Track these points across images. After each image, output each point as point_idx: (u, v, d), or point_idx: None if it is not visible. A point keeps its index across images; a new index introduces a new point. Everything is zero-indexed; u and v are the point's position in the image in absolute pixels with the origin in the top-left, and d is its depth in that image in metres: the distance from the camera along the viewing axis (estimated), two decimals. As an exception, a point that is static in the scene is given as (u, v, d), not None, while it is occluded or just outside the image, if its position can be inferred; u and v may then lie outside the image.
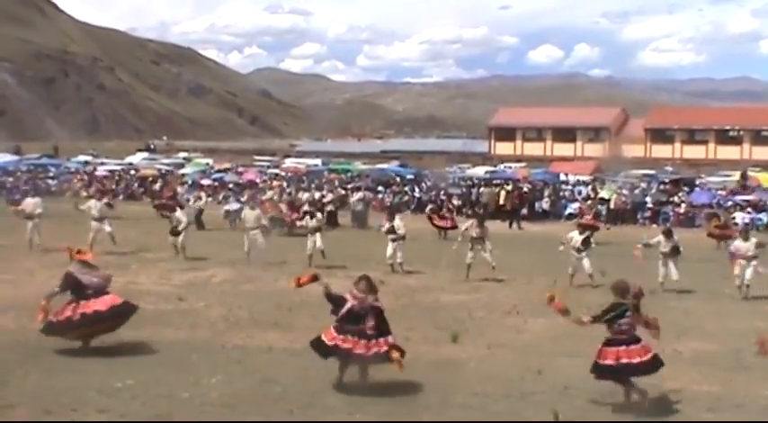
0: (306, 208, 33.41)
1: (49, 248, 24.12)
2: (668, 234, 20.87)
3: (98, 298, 12.74)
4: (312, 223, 23.33)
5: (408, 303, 17.90)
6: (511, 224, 35.89)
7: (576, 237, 21.13)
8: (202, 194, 36.56)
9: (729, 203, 40.67)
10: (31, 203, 25.35)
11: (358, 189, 41.89)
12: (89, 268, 13.19)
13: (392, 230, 22.53)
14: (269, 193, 36.78)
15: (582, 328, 11.27)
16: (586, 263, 20.73)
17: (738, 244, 20.09)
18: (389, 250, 22.26)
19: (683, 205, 40.17)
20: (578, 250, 20.87)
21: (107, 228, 24.41)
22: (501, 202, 39.91)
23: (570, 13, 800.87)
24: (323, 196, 36.38)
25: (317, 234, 23.08)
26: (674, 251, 20.34)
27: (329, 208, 33.99)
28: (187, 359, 12.51)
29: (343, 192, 42.66)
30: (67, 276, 13.01)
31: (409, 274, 21.69)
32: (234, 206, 33.66)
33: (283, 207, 32.69)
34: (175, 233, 23.67)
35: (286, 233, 29.78)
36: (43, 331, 12.83)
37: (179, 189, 43.88)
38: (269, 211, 29.39)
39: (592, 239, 21.51)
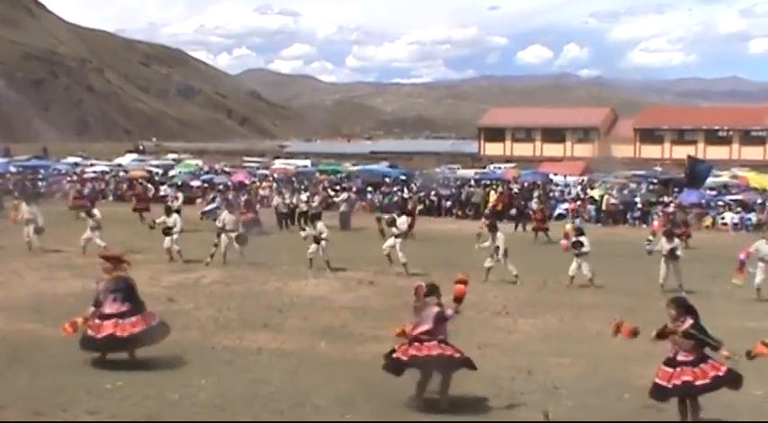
0: (282, 210, 33.79)
1: (45, 249, 24.19)
2: (669, 235, 20.87)
3: (126, 319, 12.22)
4: (311, 232, 22.81)
5: (399, 304, 17.84)
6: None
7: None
8: (179, 195, 36.34)
9: (719, 203, 40.80)
10: (27, 210, 25.23)
11: (343, 190, 41.82)
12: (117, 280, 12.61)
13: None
14: (246, 195, 36.42)
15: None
16: (584, 266, 20.67)
17: (760, 246, 19.89)
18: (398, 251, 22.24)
19: (673, 205, 40.23)
20: (576, 254, 20.81)
21: (98, 241, 24.27)
22: (491, 202, 39.87)
23: (559, 14, 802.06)
24: (300, 200, 35.67)
25: (323, 242, 22.47)
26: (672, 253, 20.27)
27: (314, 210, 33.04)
28: (177, 360, 12.48)
29: (332, 193, 42.53)
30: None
31: (400, 274, 21.66)
32: (210, 206, 33.75)
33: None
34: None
35: (258, 232, 29.58)
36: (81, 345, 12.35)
37: (169, 190, 43.80)
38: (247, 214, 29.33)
39: (585, 243, 21.18)
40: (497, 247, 21.13)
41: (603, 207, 40.10)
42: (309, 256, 22.40)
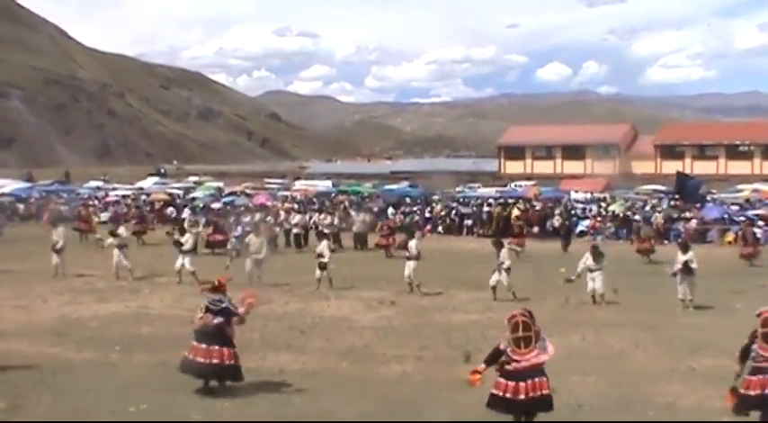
0: (296, 231, 33.87)
1: (66, 274, 24.32)
2: (684, 248, 20.72)
3: (219, 347, 12.19)
4: (320, 249, 22.99)
5: (421, 323, 17.91)
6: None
7: (589, 256, 20.90)
8: (198, 220, 36.44)
9: (741, 218, 40.50)
10: (55, 233, 25.40)
11: (358, 209, 41.75)
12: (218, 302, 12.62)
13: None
14: (257, 216, 36.26)
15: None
16: (599, 282, 20.57)
17: None
18: (407, 270, 22.22)
19: (695, 221, 39.98)
20: (590, 270, 20.69)
21: (124, 261, 24.41)
22: (512, 220, 39.68)
23: (578, 31, 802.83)
24: (318, 220, 35.74)
25: (322, 260, 22.65)
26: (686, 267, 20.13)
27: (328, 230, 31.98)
28: (200, 382, 12.50)
29: (352, 213, 42.42)
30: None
31: (423, 294, 21.62)
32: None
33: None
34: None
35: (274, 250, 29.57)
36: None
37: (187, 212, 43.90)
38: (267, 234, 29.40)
39: (604, 257, 21.11)
40: (501, 264, 21.07)
41: (654, 226, 39.43)
42: (318, 277, 22.58)
